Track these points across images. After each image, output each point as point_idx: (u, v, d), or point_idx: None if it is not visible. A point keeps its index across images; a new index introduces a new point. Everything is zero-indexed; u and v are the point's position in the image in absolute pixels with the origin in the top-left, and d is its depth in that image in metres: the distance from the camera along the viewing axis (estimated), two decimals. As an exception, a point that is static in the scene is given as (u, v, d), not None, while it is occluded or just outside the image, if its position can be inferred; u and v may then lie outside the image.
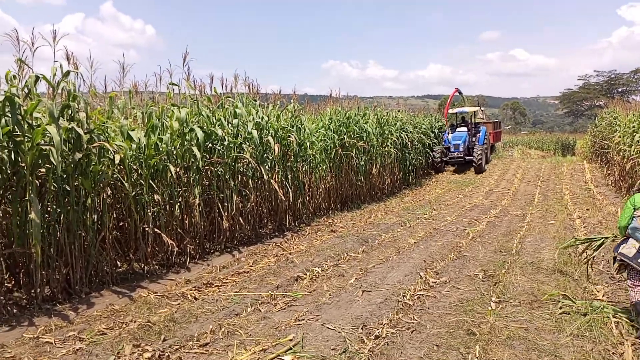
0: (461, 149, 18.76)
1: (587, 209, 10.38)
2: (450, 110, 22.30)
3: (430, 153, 19.05)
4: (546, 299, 4.85)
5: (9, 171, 4.93)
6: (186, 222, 6.98)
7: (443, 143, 19.94)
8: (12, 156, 4.93)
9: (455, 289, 5.33)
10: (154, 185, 6.38)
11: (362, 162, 12.51)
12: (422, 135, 18.00)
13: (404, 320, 4.38)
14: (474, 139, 19.76)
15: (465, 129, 19.84)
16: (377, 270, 6.15)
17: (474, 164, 18.61)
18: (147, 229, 6.21)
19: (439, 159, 19.08)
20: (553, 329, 4.14)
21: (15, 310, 4.75)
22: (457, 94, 24.94)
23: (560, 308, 4.60)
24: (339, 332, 4.12)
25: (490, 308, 4.63)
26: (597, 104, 54.04)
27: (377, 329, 4.15)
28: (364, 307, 4.75)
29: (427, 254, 6.88)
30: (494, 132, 24.05)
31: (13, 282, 5.30)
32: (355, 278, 5.77)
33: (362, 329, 4.19)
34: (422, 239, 7.97)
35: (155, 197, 6.40)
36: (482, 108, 28.62)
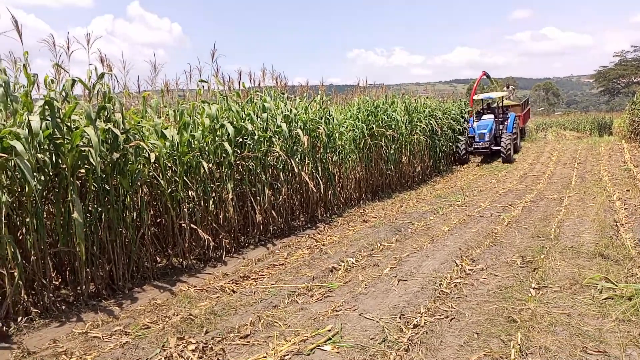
0: (487, 139, 17.40)
1: (628, 190, 10.04)
2: (475, 97, 20.84)
3: (461, 139, 18.08)
4: (587, 284, 4.74)
5: (51, 173, 5.11)
6: (220, 216, 7.10)
7: (468, 132, 18.60)
8: (53, 158, 5.11)
9: (492, 276, 5.26)
10: (188, 182, 6.51)
11: (392, 151, 12.41)
12: (451, 121, 17.69)
13: (442, 309, 4.36)
14: (501, 126, 18.33)
15: (491, 116, 18.50)
16: (412, 259, 6.13)
17: (501, 154, 17.18)
18: (183, 224, 6.35)
19: (463, 150, 17.76)
20: (597, 314, 4.05)
21: (63, 307, 4.94)
22: (484, 77, 23.63)
23: (601, 292, 4.48)
24: (377, 322, 4.13)
25: (530, 294, 4.56)
26: (635, 80, 51.95)
27: (415, 318, 4.14)
28: (400, 297, 4.75)
29: (462, 242, 6.80)
30: (522, 114, 22.44)
31: (60, 280, 5.51)
32: (390, 267, 5.76)
33: (399, 318, 4.19)
34: (456, 226, 7.88)
35: (190, 193, 6.54)
36: (512, 87, 26.90)
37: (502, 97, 19.92)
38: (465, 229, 7.68)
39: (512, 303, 4.39)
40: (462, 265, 5.63)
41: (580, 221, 7.62)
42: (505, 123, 18.50)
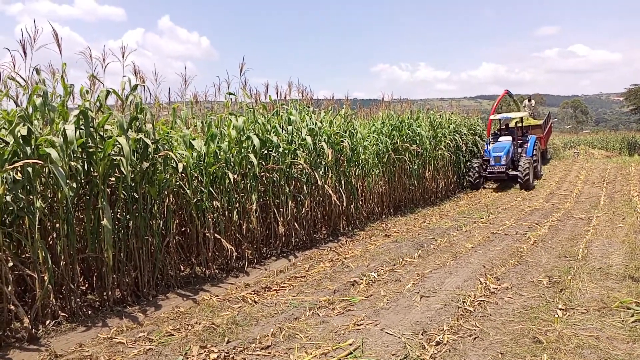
0: (503, 162, 15.21)
1: (660, 212, 9.76)
2: (492, 117, 18.46)
3: (473, 161, 16.07)
4: (617, 307, 4.61)
5: (82, 180, 5.27)
6: (244, 227, 7.18)
7: (483, 154, 16.58)
8: (86, 166, 5.27)
9: (518, 295, 5.16)
10: (214, 192, 6.61)
11: (415, 166, 12.37)
12: (476, 137, 17.53)
13: (465, 327, 4.30)
14: (520, 149, 16.24)
15: (509, 138, 16.26)
16: (435, 275, 6.06)
17: (519, 179, 15.00)
18: (207, 234, 6.44)
19: (476, 173, 15.58)
20: (627, 338, 3.93)
21: (90, 312, 5.05)
22: (507, 96, 21.48)
23: (632, 316, 4.36)
24: (399, 338, 4.10)
25: (556, 315, 4.46)
26: (668, 99, 50.45)
27: (438, 335, 4.09)
28: (422, 313, 4.70)
29: (486, 259, 6.70)
30: (544, 135, 20.06)
31: (87, 285, 5.65)
32: (413, 283, 5.71)
33: (422, 334, 4.15)
34: (480, 244, 7.77)
35: (215, 203, 6.64)
36: (534, 101, 23.55)
37: (522, 118, 17.79)
38: (490, 246, 7.57)
39: (537, 324, 4.30)
40: (486, 283, 5.55)
41: (609, 242, 7.43)
42: (525, 146, 16.49)
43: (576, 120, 73.48)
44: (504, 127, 17.52)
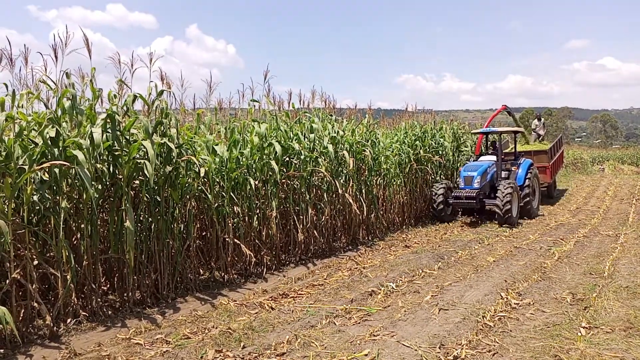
0: (475, 185, 11.21)
1: (692, 231, 9.42)
2: (473, 131, 14.91)
3: (438, 184, 12.04)
4: (644, 328, 4.45)
5: (107, 183, 5.38)
6: (263, 233, 7.20)
7: (459, 176, 12.38)
8: (111, 169, 5.39)
9: (540, 311, 5.03)
10: (235, 197, 6.66)
11: (438, 177, 12.25)
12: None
13: (484, 342, 4.21)
14: (504, 173, 12.23)
15: (492, 157, 12.43)
16: (454, 288, 5.97)
17: (497, 210, 10.77)
18: (227, 239, 6.49)
19: (440, 198, 11.57)
20: (654, 361, 3.79)
21: (110, 312, 5.13)
22: (505, 113, 16.38)
23: (661, 338, 4.20)
24: (416, 350, 4.04)
25: (579, 334, 4.33)
26: (702, 114, 48.95)
27: (456, 350, 4.01)
28: (440, 326, 4.62)
29: (508, 274, 6.56)
30: (551, 165, 14.96)
31: (108, 285, 5.73)
32: (431, 295, 5.63)
33: (439, 348, 4.08)
34: (502, 258, 7.63)
35: (235, 209, 6.69)
36: (542, 120, 18.55)
37: (516, 134, 13.91)
38: (512, 261, 7.42)
39: (560, 341, 4.18)
40: (507, 298, 5.43)
41: (638, 260, 7.19)
42: (515, 170, 12.34)
43: (605, 134, 71.87)
44: (491, 145, 13.71)
